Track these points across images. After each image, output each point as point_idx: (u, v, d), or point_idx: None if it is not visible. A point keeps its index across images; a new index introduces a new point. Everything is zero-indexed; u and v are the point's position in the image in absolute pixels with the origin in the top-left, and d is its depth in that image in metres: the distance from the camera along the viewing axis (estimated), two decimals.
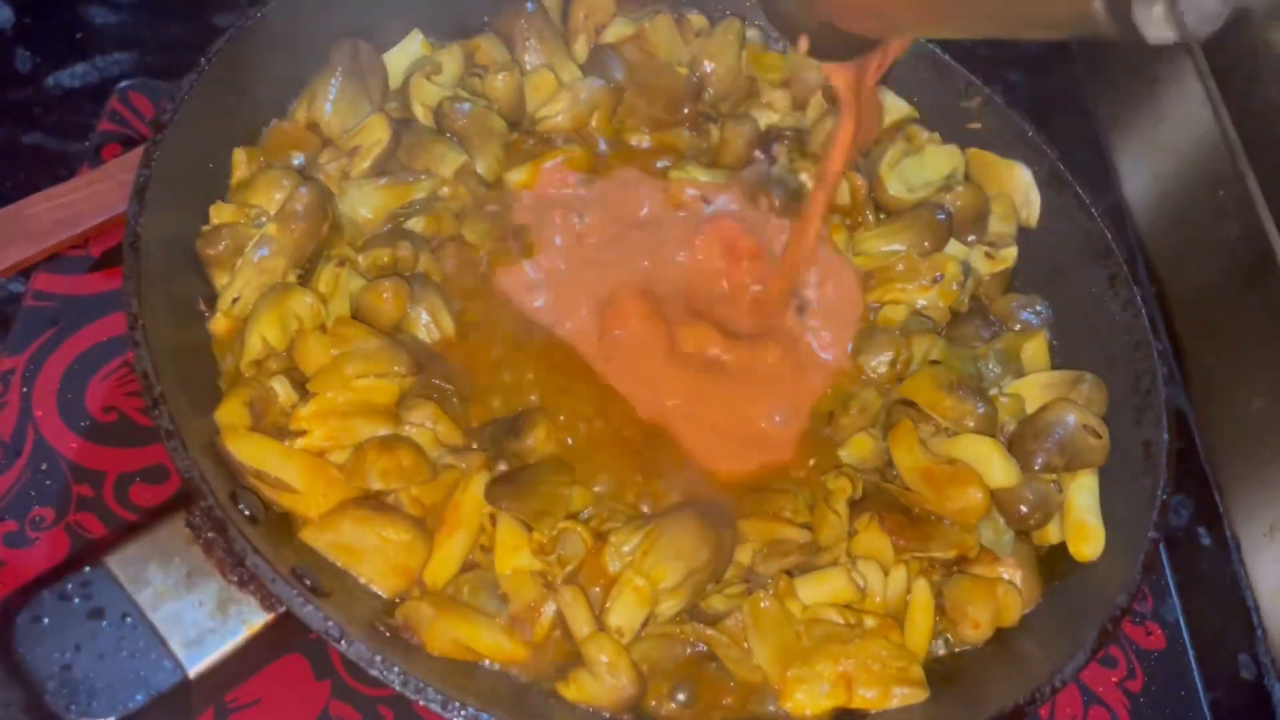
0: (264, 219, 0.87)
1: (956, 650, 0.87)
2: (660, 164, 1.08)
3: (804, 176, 1.07)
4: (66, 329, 1.00)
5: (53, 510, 0.92)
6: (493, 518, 0.82)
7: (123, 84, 1.18)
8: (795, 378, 0.97)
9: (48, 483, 0.93)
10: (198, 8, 1.35)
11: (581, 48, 1.10)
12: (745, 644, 0.81)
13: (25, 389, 0.97)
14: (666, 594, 0.79)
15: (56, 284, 1.03)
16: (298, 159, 0.93)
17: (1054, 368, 1.01)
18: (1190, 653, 1.09)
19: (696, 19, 1.13)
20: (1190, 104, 1.49)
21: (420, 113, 0.99)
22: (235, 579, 0.69)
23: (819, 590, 0.83)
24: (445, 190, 0.97)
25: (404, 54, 1.03)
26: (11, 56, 1.26)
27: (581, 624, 0.78)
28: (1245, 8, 1.38)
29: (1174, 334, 1.37)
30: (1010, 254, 1.07)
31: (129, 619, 0.66)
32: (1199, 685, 1.07)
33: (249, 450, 0.77)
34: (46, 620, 0.65)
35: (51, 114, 1.22)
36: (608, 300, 0.97)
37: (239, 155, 0.92)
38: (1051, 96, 1.61)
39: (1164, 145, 1.54)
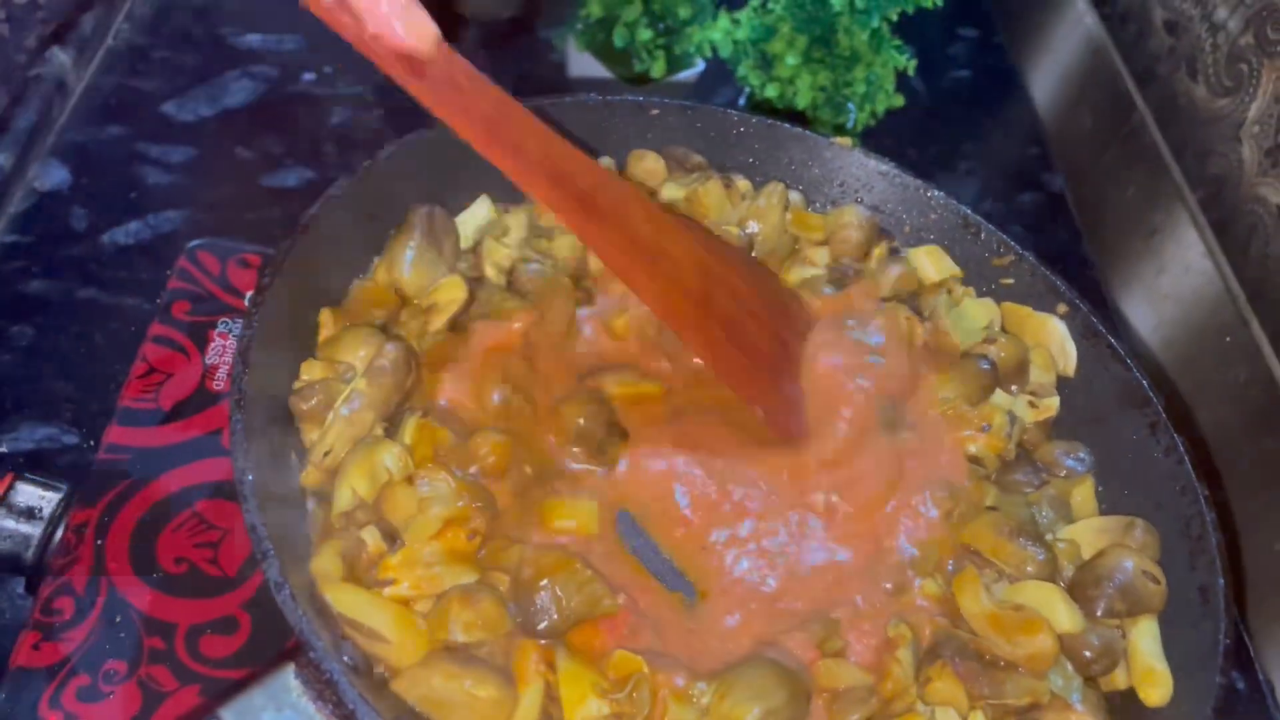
0: (351, 374, 0.91)
1: None
2: None
3: None
4: (139, 481, 1.02)
5: (125, 663, 0.92)
6: (551, 666, 0.82)
7: (192, 243, 1.23)
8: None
9: (121, 635, 0.94)
10: (247, 170, 1.41)
11: None
12: None
13: (99, 541, 0.98)
14: None
15: (129, 437, 1.05)
16: (379, 318, 0.97)
17: (1101, 514, 1.05)
18: None
19: (742, 183, 1.20)
20: (1189, 254, 1.55)
21: (491, 272, 1.04)
22: None
23: None
24: None
25: (473, 217, 1.08)
26: (68, 214, 1.31)
27: None
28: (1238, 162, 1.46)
29: None
30: (1053, 403, 1.11)
31: None
32: None
33: (345, 600, 0.78)
34: None
35: (107, 269, 1.26)
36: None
37: (325, 315, 0.96)
38: (1053, 247, 1.68)
39: (1167, 294, 1.61)
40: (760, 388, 0.98)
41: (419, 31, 0.73)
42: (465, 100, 0.79)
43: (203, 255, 1.21)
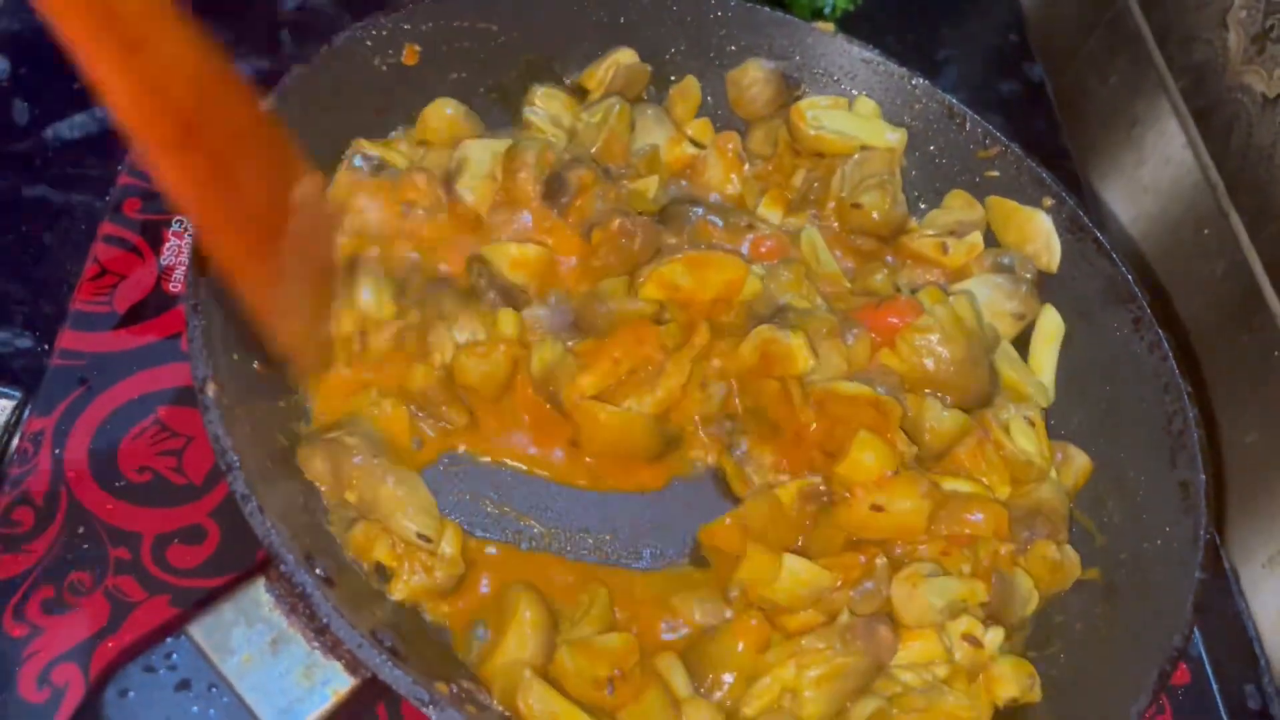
0: None
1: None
2: None
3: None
4: (96, 388, 0.99)
5: (90, 575, 0.90)
6: None
7: None
8: None
9: (84, 546, 0.91)
10: None
11: None
12: None
13: (57, 450, 0.95)
14: None
15: (83, 341, 1.01)
16: None
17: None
18: (1214, 685, 1.11)
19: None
20: (1170, 146, 1.53)
21: None
22: (318, 644, 0.68)
23: (908, 653, 0.83)
24: None
25: None
26: (9, 107, 1.24)
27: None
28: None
29: None
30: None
31: (215, 690, 0.65)
32: (1224, 717, 1.09)
33: None
34: (133, 694, 0.64)
35: (52, 166, 1.21)
36: None
37: None
38: (1031, 139, 1.65)
39: (1146, 186, 1.59)
40: (248, 250, 0.78)
41: None
42: None
43: None
